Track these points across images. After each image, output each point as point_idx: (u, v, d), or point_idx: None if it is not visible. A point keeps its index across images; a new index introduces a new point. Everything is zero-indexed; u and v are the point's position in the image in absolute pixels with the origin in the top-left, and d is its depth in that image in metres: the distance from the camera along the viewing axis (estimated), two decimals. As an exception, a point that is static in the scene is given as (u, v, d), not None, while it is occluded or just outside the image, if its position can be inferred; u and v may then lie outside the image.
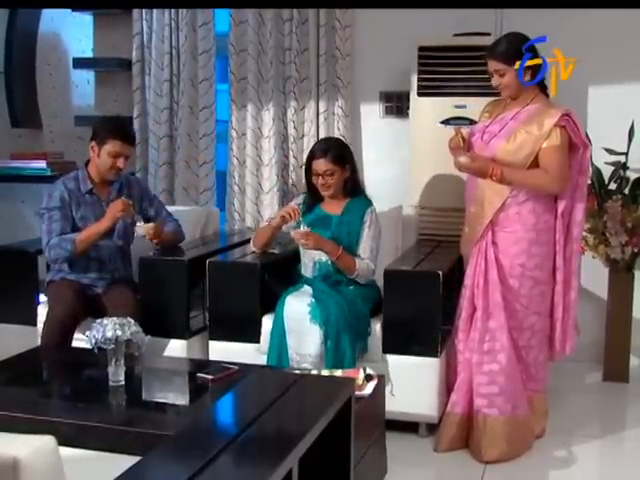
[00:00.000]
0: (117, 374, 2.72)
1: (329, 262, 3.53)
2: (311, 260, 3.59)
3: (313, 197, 3.65)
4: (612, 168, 4.04)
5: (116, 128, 3.62)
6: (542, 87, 3.31)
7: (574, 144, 3.24)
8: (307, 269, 3.62)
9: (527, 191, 3.22)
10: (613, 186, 4.06)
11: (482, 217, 3.29)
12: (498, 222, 3.27)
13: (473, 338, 3.28)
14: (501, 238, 3.27)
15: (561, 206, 3.25)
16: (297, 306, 3.33)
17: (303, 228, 3.43)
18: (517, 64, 3.17)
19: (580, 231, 3.34)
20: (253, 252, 3.70)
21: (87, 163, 3.70)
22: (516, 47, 3.21)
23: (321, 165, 3.52)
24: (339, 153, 3.56)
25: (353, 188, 3.63)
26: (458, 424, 3.30)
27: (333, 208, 3.61)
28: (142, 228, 3.61)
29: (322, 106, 4.51)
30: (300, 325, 3.30)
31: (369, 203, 3.62)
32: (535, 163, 3.21)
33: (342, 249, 3.48)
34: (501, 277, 3.25)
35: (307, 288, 3.49)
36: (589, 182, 4.01)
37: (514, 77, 3.21)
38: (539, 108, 3.23)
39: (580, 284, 3.43)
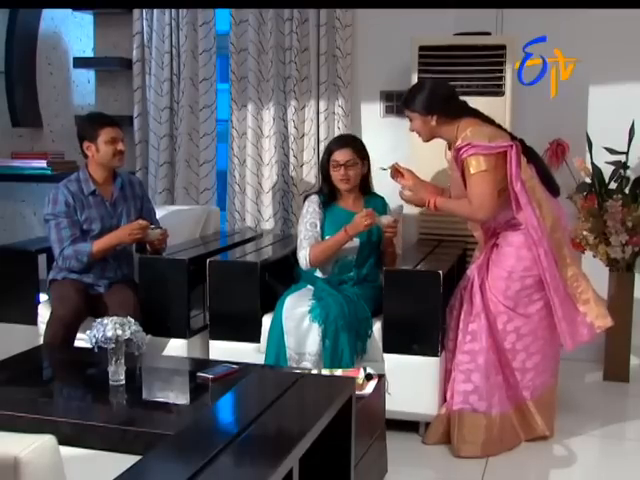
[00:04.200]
0: (117, 373, 2.72)
1: (353, 260, 3.55)
2: (333, 258, 3.57)
3: (330, 194, 3.63)
4: (612, 167, 4.04)
5: (98, 119, 3.69)
6: (467, 113, 3.34)
7: (501, 154, 3.21)
8: (324, 267, 3.59)
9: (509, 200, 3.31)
10: (613, 185, 4.05)
11: (474, 231, 3.50)
12: (499, 226, 3.37)
13: (457, 338, 3.35)
14: (500, 241, 3.37)
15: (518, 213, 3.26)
16: (296, 307, 3.34)
17: (388, 217, 3.49)
18: (432, 117, 3.31)
19: (536, 233, 3.21)
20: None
21: (86, 165, 3.70)
22: (415, 96, 3.35)
23: (344, 155, 3.55)
24: (359, 146, 3.64)
25: (367, 186, 3.70)
26: (447, 420, 3.34)
27: (352, 206, 3.62)
28: (152, 233, 3.61)
29: (322, 105, 4.51)
30: (299, 325, 3.30)
31: (383, 198, 3.74)
32: (504, 190, 3.27)
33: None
34: (489, 278, 3.32)
35: (309, 288, 3.48)
36: (589, 180, 4.04)
37: (420, 122, 3.36)
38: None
39: (572, 282, 3.33)
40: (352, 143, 3.62)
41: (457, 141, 3.27)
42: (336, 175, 3.57)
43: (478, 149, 3.19)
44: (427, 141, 3.44)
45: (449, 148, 3.43)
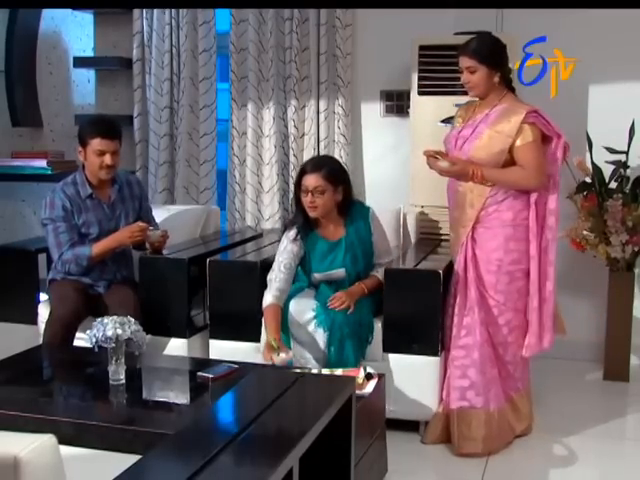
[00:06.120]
0: (117, 373, 2.72)
1: (345, 281, 3.43)
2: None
3: (306, 222, 3.39)
4: (613, 167, 4.04)
5: (94, 126, 3.58)
6: (510, 87, 3.35)
7: (548, 137, 3.26)
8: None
9: (505, 189, 3.26)
10: (614, 185, 4.06)
11: (465, 220, 3.34)
12: (479, 220, 3.31)
13: (452, 334, 3.34)
14: (480, 234, 3.32)
15: (534, 196, 3.26)
16: (302, 313, 3.27)
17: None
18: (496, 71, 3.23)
19: (555, 220, 3.29)
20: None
21: (84, 167, 3.68)
22: (490, 48, 3.27)
23: (312, 180, 3.27)
24: (333, 171, 3.33)
25: (346, 208, 3.40)
26: (445, 418, 3.34)
27: (333, 233, 3.43)
28: (152, 235, 3.61)
29: (322, 105, 4.51)
30: (304, 331, 3.24)
31: (365, 208, 3.48)
32: (511, 161, 3.25)
33: (364, 284, 3.37)
34: (478, 273, 3.30)
35: (310, 290, 3.43)
36: (589, 180, 4.04)
37: (484, 75, 3.25)
38: (507, 107, 3.26)
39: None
40: (324, 168, 3.30)
41: (495, 106, 3.26)
42: (304, 200, 3.31)
43: (539, 120, 3.21)
44: (477, 96, 3.33)
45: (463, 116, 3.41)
